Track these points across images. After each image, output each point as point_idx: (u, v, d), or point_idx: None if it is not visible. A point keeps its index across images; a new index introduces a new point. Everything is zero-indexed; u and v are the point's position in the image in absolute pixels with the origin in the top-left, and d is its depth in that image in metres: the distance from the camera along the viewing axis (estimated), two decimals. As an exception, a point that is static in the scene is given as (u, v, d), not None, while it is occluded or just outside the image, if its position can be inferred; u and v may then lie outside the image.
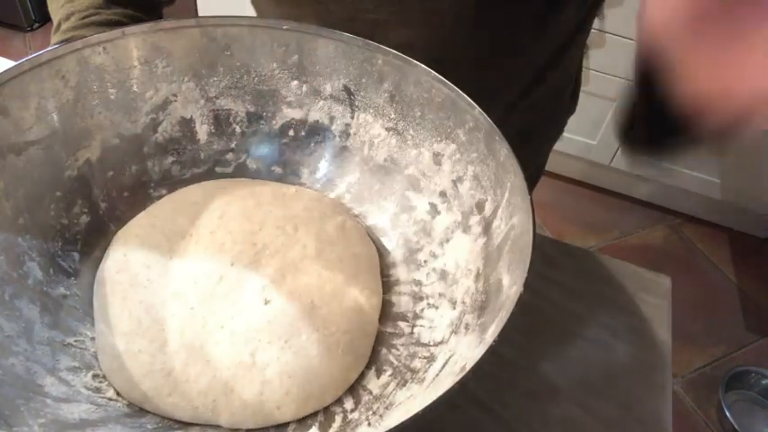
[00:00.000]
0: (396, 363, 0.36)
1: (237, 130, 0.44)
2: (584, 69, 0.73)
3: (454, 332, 0.34)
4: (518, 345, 0.36)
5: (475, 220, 0.37)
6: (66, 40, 0.50)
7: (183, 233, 0.39)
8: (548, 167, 0.72)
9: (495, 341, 0.26)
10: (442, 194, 0.40)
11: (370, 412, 0.33)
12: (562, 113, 0.71)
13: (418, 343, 0.36)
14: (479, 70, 0.41)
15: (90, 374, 0.34)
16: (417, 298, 0.39)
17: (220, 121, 0.44)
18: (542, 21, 0.57)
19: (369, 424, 0.32)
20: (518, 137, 0.37)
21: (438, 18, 0.52)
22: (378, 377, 0.35)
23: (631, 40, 1.18)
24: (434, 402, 0.24)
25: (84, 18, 0.51)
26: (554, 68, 0.65)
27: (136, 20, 0.53)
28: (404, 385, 0.34)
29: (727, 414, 1.20)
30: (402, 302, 0.39)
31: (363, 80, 0.42)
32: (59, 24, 0.52)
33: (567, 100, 0.70)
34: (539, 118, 0.66)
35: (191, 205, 0.40)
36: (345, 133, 0.44)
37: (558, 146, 0.72)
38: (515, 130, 0.40)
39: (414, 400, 0.31)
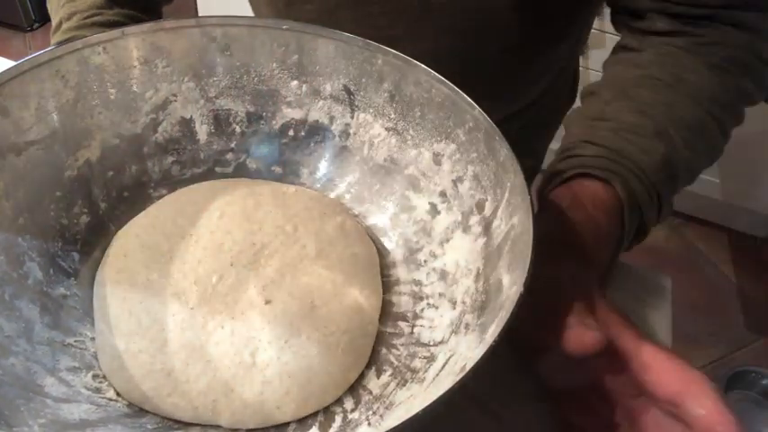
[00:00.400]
0: (396, 363, 0.36)
1: (237, 130, 0.44)
2: (584, 69, 0.73)
3: (454, 332, 0.34)
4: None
5: (475, 219, 0.37)
6: (66, 39, 0.50)
7: (182, 233, 0.39)
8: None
9: (495, 341, 0.26)
10: (442, 194, 0.40)
11: (370, 412, 0.33)
12: (560, 110, 0.71)
13: (418, 343, 0.36)
14: (490, 85, 0.42)
15: (90, 375, 0.34)
16: (417, 298, 0.39)
17: (220, 121, 0.44)
18: (556, 35, 0.58)
19: (369, 424, 0.32)
20: (517, 135, 0.37)
21: (451, 35, 0.53)
22: (378, 377, 0.35)
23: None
24: (434, 402, 0.24)
25: (86, 18, 0.51)
26: (558, 76, 0.66)
27: (138, 21, 0.54)
28: (404, 385, 0.34)
29: (728, 414, 1.20)
30: (402, 302, 0.39)
31: (363, 80, 0.42)
32: (60, 24, 0.52)
33: (564, 99, 0.70)
34: (537, 116, 0.66)
35: (190, 205, 0.40)
36: (345, 133, 0.44)
37: (557, 146, 0.72)
38: (515, 128, 0.40)
39: (414, 399, 0.31)
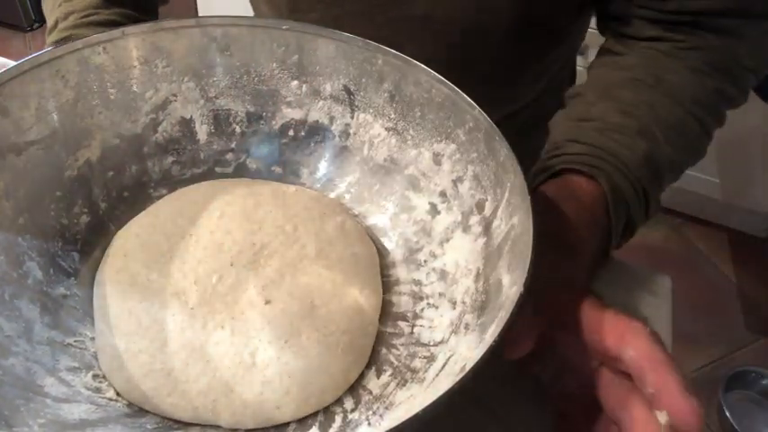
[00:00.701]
0: (396, 363, 0.36)
1: (237, 130, 0.44)
2: (583, 69, 0.73)
3: (454, 332, 0.34)
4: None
5: (475, 219, 0.37)
6: (64, 38, 0.50)
7: (182, 233, 0.39)
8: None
9: (495, 341, 0.26)
10: (442, 194, 0.40)
11: (370, 412, 0.33)
12: (559, 108, 0.72)
13: (418, 343, 0.36)
14: (489, 87, 0.43)
15: (90, 374, 0.34)
16: (417, 298, 0.39)
17: (220, 121, 0.44)
18: (555, 39, 0.59)
19: (369, 424, 0.32)
20: (516, 135, 0.37)
21: (451, 44, 0.54)
22: (378, 377, 0.35)
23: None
24: (434, 402, 0.24)
25: (83, 18, 0.51)
26: (557, 75, 0.67)
27: (134, 20, 0.54)
28: (404, 385, 0.34)
29: (727, 414, 1.20)
30: (402, 302, 0.39)
31: (363, 80, 0.42)
32: (56, 23, 0.52)
33: (563, 91, 0.71)
34: (536, 115, 0.67)
35: (190, 205, 0.40)
36: (345, 133, 0.44)
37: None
38: (514, 128, 0.40)
39: (414, 400, 0.31)
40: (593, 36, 0.62)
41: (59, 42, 0.38)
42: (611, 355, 0.31)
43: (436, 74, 0.38)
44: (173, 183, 0.43)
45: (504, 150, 0.34)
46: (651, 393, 0.29)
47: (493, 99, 0.38)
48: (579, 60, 0.76)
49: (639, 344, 0.30)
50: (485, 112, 0.36)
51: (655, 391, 0.28)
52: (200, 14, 1.68)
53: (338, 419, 0.34)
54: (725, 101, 0.49)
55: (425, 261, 0.39)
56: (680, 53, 0.47)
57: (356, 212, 0.43)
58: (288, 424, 0.34)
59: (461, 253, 0.37)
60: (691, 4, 0.47)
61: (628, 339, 0.30)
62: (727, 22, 0.47)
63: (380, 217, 0.43)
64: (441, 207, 0.40)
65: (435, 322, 0.36)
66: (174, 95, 0.42)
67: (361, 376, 0.36)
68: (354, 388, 0.35)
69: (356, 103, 0.43)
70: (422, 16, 0.53)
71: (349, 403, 0.34)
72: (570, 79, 0.73)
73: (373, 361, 0.36)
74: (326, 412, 0.34)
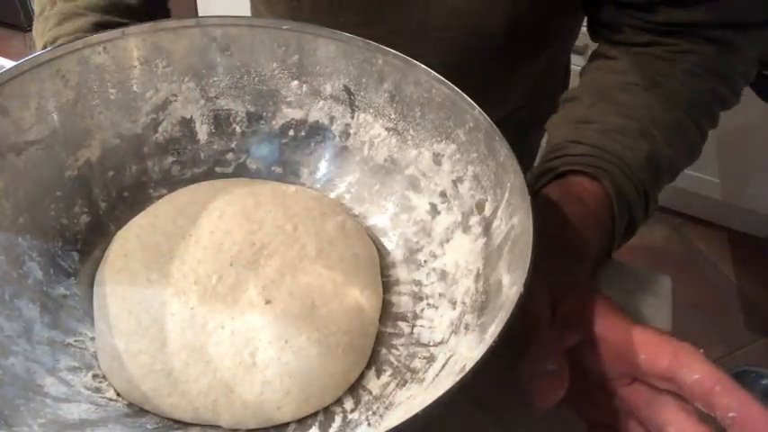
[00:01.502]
0: (396, 363, 0.36)
1: (237, 130, 0.44)
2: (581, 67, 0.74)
3: (454, 332, 0.34)
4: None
5: (475, 220, 0.37)
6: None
7: (182, 233, 0.39)
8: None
9: (495, 341, 0.26)
10: (442, 194, 0.40)
11: (370, 412, 0.33)
12: (555, 106, 0.72)
13: (418, 343, 0.36)
14: (484, 90, 0.43)
15: (90, 374, 0.34)
16: (417, 298, 0.39)
17: (220, 121, 0.44)
18: (553, 38, 0.59)
19: (369, 424, 0.32)
20: (516, 135, 0.37)
21: (448, 51, 0.54)
22: (378, 377, 0.35)
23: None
24: (434, 403, 0.24)
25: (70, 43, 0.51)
26: (552, 74, 0.67)
27: None
28: (404, 385, 0.34)
29: (727, 414, 1.20)
30: (402, 302, 0.39)
31: (363, 80, 0.42)
32: (44, 48, 0.52)
33: (558, 90, 0.71)
34: (532, 114, 0.67)
35: (190, 205, 0.40)
36: (345, 133, 0.44)
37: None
38: (513, 129, 0.40)
39: (413, 400, 0.31)
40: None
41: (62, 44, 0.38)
42: (661, 375, 0.31)
43: (436, 74, 0.38)
44: (173, 183, 0.43)
45: (504, 150, 0.34)
46: (731, 417, 0.29)
47: (491, 99, 0.38)
48: (578, 60, 0.76)
49: (701, 366, 0.30)
50: (484, 111, 0.36)
51: (737, 414, 0.28)
52: (200, 14, 1.68)
53: (338, 419, 0.34)
54: (718, 102, 0.49)
55: (425, 261, 0.39)
56: (673, 56, 0.48)
57: (356, 212, 0.43)
58: (288, 424, 0.34)
59: (461, 253, 0.37)
60: (679, 16, 0.47)
61: (684, 361, 0.30)
62: (717, 33, 0.47)
63: (380, 217, 0.43)
64: (441, 207, 0.40)
65: (435, 322, 0.36)
66: (175, 95, 0.42)
67: (361, 376, 0.36)
68: (354, 388, 0.35)
69: (356, 104, 0.43)
70: (421, 24, 0.54)
71: (349, 403, 0.34)
72: (565, 77, 0.74)
73: (373, 361, 0.36)
74: (326, 412, 0.34)
